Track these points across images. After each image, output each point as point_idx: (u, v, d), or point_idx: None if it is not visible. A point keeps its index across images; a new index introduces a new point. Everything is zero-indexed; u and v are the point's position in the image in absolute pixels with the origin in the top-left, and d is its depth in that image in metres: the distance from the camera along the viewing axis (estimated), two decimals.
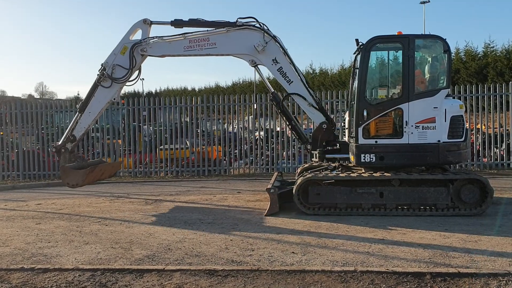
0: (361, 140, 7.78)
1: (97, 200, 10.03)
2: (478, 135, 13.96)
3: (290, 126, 9.40)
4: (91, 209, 8.91)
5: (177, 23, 8.88)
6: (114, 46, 8.96)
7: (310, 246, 5.83)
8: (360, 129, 7.79)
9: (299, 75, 8.83)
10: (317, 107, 8.84)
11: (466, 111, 13.71)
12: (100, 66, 8.93)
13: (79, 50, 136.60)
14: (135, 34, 9.09)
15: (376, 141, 7.77)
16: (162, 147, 14.83)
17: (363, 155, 7.73)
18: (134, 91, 78.08)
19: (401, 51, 7.80)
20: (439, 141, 7.59)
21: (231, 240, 6.24)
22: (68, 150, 9.11)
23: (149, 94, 71.95)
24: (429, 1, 46.14)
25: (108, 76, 8.85)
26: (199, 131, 15.39)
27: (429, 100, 7.70)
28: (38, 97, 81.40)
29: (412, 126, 7.64)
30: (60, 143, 9.19)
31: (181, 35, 8.85)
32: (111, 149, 14.71)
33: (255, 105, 14.86)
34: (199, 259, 5.42)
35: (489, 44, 36.31)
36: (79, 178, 8.80)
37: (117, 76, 8.92)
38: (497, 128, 13.91)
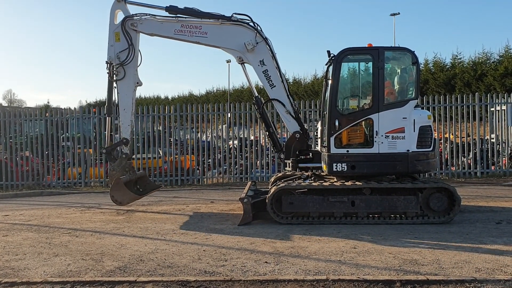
0: (333, 150, 7.88)
1: (67, 211, 9.84)
2: (446, 144, 14.32)
3: (267, 133, 9.44)
4: (61, 220, 8.73)
5: (171, 9, 8.87)
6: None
7: (283, 256, 5.87)
8: (332, 139, 7.89)
9: (282, 81, 8.90)
10: (294, 115, 8.93)
11: (434, 120, 14.07)
12: (106, 64, 8.91)
13: (49, 57, 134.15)
14: (117, 17, 9.09)
15: (347, 151, 7.88)
16: (134, 156, 14.66)
17: (335, 164, 7.83)
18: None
19: (371, 63, 7.97)
20: (408, 150, 7.76)
21: (204, 250, 6.22)
22: (128, 155, 9.10)
23: None
24: (399, 14, 47.40)
25: (118, 64, 8.81)
26: (172, 140, 15.31)
27: (399, 111, 7.87)
28: (6, 105, 79.40)
29: (382, 136, 7.79)
30: (108, 145, 9.19)
31: (174, 18, 8.85)
32: (81, 159, 14.47)
33: (229, 114, 14.90)
34: (172, 270, 5.38)
35: (457, 56, 37.42)
36: (126, 199, 8.87)
37: (124, 60, 8.88)
38: (464, 137, 14.32)
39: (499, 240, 6.43)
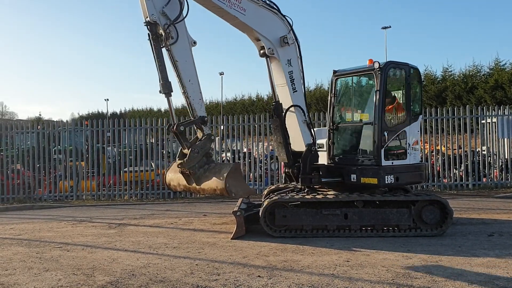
0: (384, 162, 7.93)
1: (58, 225, 9.75)
2: (438, 156, 14.40)
3: (283, 144, 8.49)
4: (52, 234, 8.65)
5: None
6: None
7: (276, 269, 5.84)
8: (382, 151, 7.93)
9: (303, 88, 8.51)
10: (309, 126, 8.53)
11: (426, 133, 14.19)
12: (147, 27, 7.06)
13: (40, 69, 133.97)
14: None
15: (392, 162, 8.03)
16: (126, 169, 14.60)
17: (387, 176, 7.88)
18: (98, 112, 77.20)
19: (404, 77, 8.29)
20: (421, 161, 8.21)
21: (196, 264, 6.18)
22: (213, 136, 7.84)
23: (114, 115, 71.16)
24: (390, 27, 47.87)
25: (169, 23, 7.06)
26: (164, 152, 15.26)
27: (416, 124, 8.40)
28: None
29: (411, 147, 8.17)
30: (178, 123, 7.55)
31: None
32: (73, 172, 14.38)
33: (221, 126, 14.90)
34: (164, 284, 5.34)
35: (447, 69, 37.90)
36: (241, 191, 7.37)
37: (174, 16, 7.10)
38: (456, 149, 14.40)
39: (491, 253, 6.45)
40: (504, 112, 14.15)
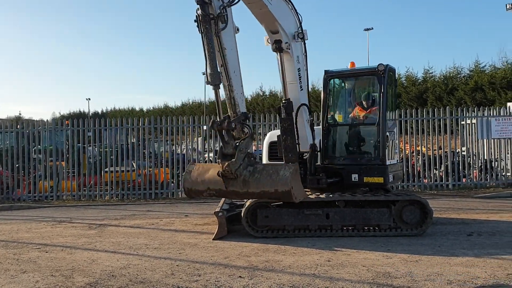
0: (387, 161, 8.03)
1: (37, 225, 9.59)
2: (418, 157, 14.56)
3: (293, 144, 7.79)
4: (30, 235, 8.50)
5: None
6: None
7: (257, 270, 5.83)
8: (386, 151, 8.03)
9: (307, 86, 8.36)
10: (312, 126, 8.37)
11: (406, 133, 14.34)
12: (200, 7, 6.21)
13: (21, 68, 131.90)
14: None
15: (390, 162, 8.20)
16: (107, 169, 14.43)
17: (389, 175, 8.00)
18: (80, 111, 76.36)
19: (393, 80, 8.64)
20: (398, 161, 8.65)
21: (177, 265, 6.13)
22: (254, 133, 7.00)
23: (95, 114, 70.45)
24: (372, 29, 48.20)
25: (226, 4, 6.37)
26: (146, 152, 15.14)
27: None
28: None
29: (396, 148, 8.52)
30: (229, 120, 6.55)
31: None
32: (54, 171, 14.16)
33: (204, 126, 14.82)
34: (144, 285, 5.28)
35: (428, 70, 38.41)
36: (301, 194, 6.69)
37: None
38: (436, 150, 14.59)
39: (470, 252, 6.53)
40: (484, 114, 14.38)
